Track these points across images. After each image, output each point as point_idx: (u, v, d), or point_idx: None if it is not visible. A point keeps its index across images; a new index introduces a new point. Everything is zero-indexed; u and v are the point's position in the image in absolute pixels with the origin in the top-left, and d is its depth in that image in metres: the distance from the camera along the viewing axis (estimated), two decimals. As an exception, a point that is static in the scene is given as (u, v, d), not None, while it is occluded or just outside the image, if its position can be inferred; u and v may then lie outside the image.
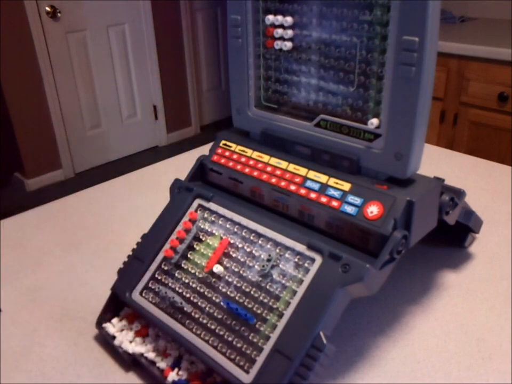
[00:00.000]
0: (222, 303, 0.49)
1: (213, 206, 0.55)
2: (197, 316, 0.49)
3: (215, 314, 0.48)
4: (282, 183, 0.53)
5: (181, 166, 0.76)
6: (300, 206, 0.52)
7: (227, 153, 0.59)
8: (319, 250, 0.47)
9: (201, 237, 0.54)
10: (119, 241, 0.75)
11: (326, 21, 0.49)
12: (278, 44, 0.54)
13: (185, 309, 0.50)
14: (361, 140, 0.50)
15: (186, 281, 0.52)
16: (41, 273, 0.68)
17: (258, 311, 0.46)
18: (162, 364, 0.50)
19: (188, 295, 0.51)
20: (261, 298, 0.47)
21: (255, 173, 0.56)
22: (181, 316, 0.50)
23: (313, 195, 0.51)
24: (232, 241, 0.52)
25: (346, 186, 0.50)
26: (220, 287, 0.50)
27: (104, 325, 0.55)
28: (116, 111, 3.11)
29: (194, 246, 0.54)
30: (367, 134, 0.49)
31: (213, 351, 0.47)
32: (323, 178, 0.51)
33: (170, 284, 0.53)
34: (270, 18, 0.53)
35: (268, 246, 0.50)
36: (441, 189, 0.51)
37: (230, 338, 0.46)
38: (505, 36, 1.85)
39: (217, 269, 0.50)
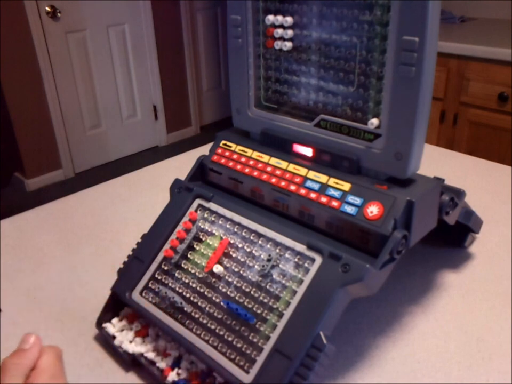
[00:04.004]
0: (222, 303, 0.49)
1: (213, 206, 0.55)
2: (197, 316, 0.49)
3: (215, 314, 0.48)
4: (282, 183, 0.53)
5: (181, 166, 0.76)
6: (300, 206, 0.52)
7: (227, 153, 0.59)
8: (319, 250, 0.47)
9: (201, 237, 0.54)
10: (119, 241, 0.75)
11: (326, 21, 0.49)
12: (278, 44, 0.54)
13: (185, 309, 0.50)
14: (361, 140, 0.50)
15: (186, 281, 0.52)
16: (41, 273, 0.68)
17: (258, 311, 0.46)
18: (162, 364, 0.50)
19: (188, 295, 0.51)
20: (261, 298, 0.47)
21: (255, 173, 0.56)
22: (181, 316, 0.50)
23: (313, 195, 0.51)
24: (232, 241, 0.52)
25: (346, 186, 0.50)
26: (220, 287, 0.50)
27: (104, 325, 0.55)
28: (116, 111, 3.10)
29: (194, 246, 0.54)
30: (367, 134, 0.49)
31: (213, 351, 0.47)
32: (323, 178, 0.51)
33: (170, 284, 0.53)
34: (270, 18, 0.53)
35: (268, 246, 0.50)
36: (441, 189, 0.51)
37: (230, 338, 0.46)
38: (505, 35, 1.85)
39: (217, 269, 0.50)
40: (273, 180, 0.54)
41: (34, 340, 0.38)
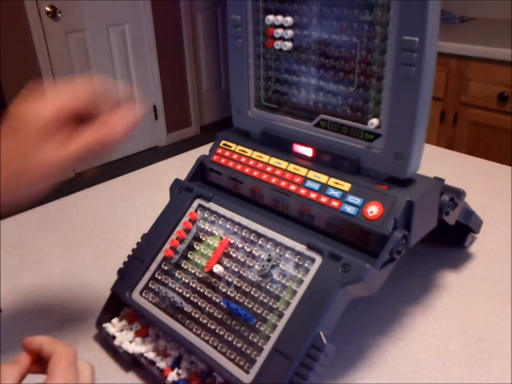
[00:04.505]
0: (222, 303, 0.49)
1: (213, 206, 0.55)
2: (197, 316, 0.49)
3: (215, 314, 0.48)
4: (282, 183, 0.53)
5: (181, 166, 0.76)
6: (300, 206, 0.52)
7: (227, 153, 0.59)
8: (319, 250, 0.47)
9: (201, 237, 0.54)
10: (119, 241, 0.75)
11: (326, 21, 0.49)
12: (278, 44, 0.54)
13: (185, 309, 0.50)
14: (361, 140, 0.50)
15: (186, 281, 0.52)
16: (41, 273, 0.68)
17: (258, 311, 0.46)
18: (162, 364, 0.50)
19: (188, 295, 0.51)
20: (261, 298, 0.47)
21: (255, 173, 0.56)
22: (181, 316, 0.50)
23: (313, 195, 0.51)
24: (232, 241, 0.52)
25: (346, 186, 0.50)
26: (220, 287, 0.50)
27: (104, 325, 0.55)
28: (116, 111, 3.10)
29: (194, 246, 0.54)
30: (367, 134, 0.49)
31: (213, 351, 0.47)
32: (323, 178, 0.51)
33: (170, 284, 0.53)
34: (270, 18, 0.53)
35: (268, 246, 0.50)
36: (441, 189, 0.51)
37: (230, 338, 0.46)
38: (505, 35, 1.85)
39: (217, 269, 0.50)
40: (273, 180, 0.54)
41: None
